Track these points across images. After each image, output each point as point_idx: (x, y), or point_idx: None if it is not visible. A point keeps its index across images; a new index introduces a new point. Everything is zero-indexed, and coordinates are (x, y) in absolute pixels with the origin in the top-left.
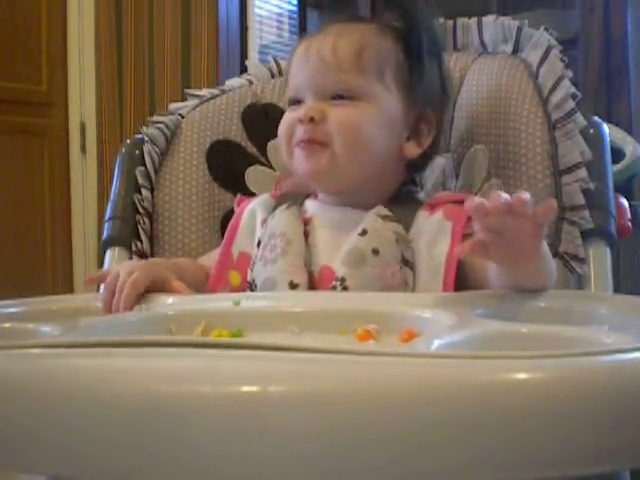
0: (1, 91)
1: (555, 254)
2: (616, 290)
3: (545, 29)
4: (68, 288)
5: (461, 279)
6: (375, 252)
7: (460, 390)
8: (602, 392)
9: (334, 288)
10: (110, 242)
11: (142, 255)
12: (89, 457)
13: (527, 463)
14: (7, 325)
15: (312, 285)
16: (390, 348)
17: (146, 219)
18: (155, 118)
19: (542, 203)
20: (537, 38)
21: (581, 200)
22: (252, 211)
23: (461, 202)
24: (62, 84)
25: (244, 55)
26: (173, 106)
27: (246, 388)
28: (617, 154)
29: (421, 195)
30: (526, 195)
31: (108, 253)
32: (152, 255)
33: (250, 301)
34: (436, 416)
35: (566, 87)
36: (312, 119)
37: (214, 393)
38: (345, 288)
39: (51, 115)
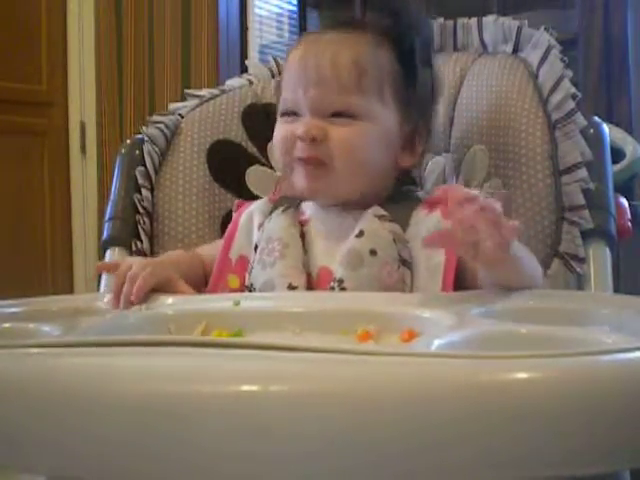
0: (1, 91)
1: (555, 254)
2: (616, 290)
3: (545, 29)
4: (68, 288)
5: (460, 280)
6: (373, 253)
7: (460, 390)
8: (602, 392)
9: (332, 289)
10: (110, 242)
11: (142, 255)
12: (89, 457)
13: (527, 463)
14: (7, 325)
15: (310, 287)
16: (390, 348)
17: (146, 219)
18: (155, 118)
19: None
20: (537, 38)
21: (581, 200)
22: (249, 215)
23: None
24: (62, 84)
25: (244, 55)
26: (173, 106)
27: (247, 387)
28: (617, 154)
29: (420, 194)
30: (497, 205)
31: (108, 253)
32: (152, 255)
33: (250, 301)
34: (436, 416)
35: (566, 87)
36: (314, 139)
37: (215, 392)
38: (343, 289)
39: (51, 115)
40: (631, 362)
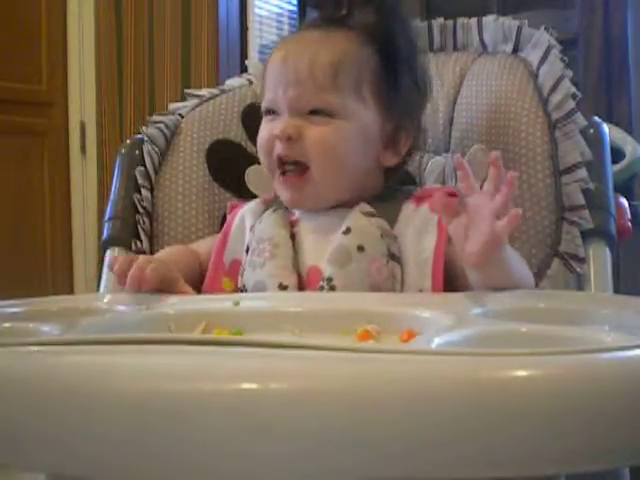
0: (1, 91)
1: (555, 254)
2: (616, 290)
3: (545, 29)
4: (68, 288)
5: (450, 275)
6: (360, 249)
7: (460, 387)
8: (602, 389)
9: (321, 288)
10: (110, 242)
11: (142, 255)
12: (89, 455)
13: (526, 460)
14: (7, 325)
15: (301, 286)
16: (390, 346)
17: (146, 219)
18: (155, 118)
19: (507, 219)
20: (537, 38)
21: (581, 200)
22: (241, 218)
23: (450, 194)
24: (62, 84)
25: (244, 55)
26: (173, 106)
27: (247, 385)
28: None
29: (411, 188)
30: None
31: (108, 253)
32: (152, 255)
33: (250, 301)
34: (436, 413)
35: (566, 87)
36: (289, 137)
37: (215, 390)
38: (332, 287)
39: (51, 115)
40: (631, 360)
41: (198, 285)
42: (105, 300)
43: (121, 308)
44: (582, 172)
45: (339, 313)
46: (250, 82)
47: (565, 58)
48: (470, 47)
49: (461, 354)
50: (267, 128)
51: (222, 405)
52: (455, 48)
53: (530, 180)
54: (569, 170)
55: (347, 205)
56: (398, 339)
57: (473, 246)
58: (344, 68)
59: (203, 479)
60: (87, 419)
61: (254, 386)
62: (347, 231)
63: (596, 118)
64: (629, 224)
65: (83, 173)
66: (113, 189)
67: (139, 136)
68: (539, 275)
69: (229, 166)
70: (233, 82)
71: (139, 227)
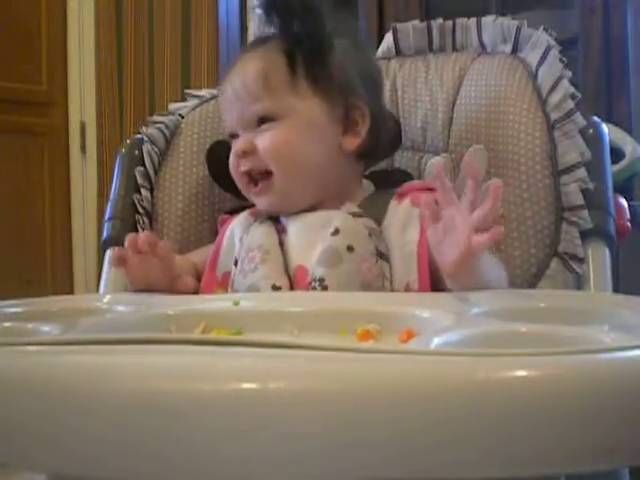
0: (1, 91)
1: (554, 254)
2: (616, 290)
3: (544, 29)
4: (68, 288)
5: (435, 265)
6: (350, 249)
7: (459, 387)
8: (602, 390)
9: (313, 289)
10: (110, 242)
11: None
12: (89, 455)
13: (526, 461)
14: (7, 325)
15: (291, 287)
16: (389, 346)
17: (146, 219)
18: (155, 118)
19: (488, 234)
20: (536, 38)
21: (580, 200)
22: (231, 232)
23: (429, 190)
24: (62, 84)
25: None
26: (173, 106)
27: (246, 385)
28: (617, 154)
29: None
30: (484, 213)
31: (108, 253)
32: None
33: (250, 301)
34: (436, 414)
35: (565, 87)
36: (245, 152)
37: (213, 390)
38: (324, 288)
39: (51, 115)
40: (630, 360)
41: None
42: (105, 300)
43: (121, 308)
44: (581, 172)
45: (339, 313)
46: None
47: (564, 58)
48: (469, 47)
49: (460, 354)
50: (232, 151)
51: (222, 405)
52: (454, 48)
53: (529, 180)
54: (568, 170)
55: (332, 205)
56: (398, 339)
57: (448, 256)
58: (270, 72)
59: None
60: (86, 419)
61: (254, 386)
62: (336, 232)
63: (595, 118)
64: (628, 224)
65: (83, 173)
66: (113, 189)
67: (139, 136)
68: (538, 275)
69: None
70: None
71: (139, 227)
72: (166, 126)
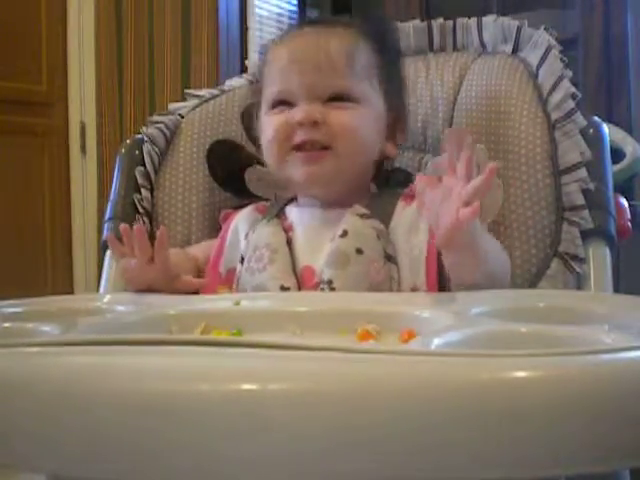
0: (1, 91)
1: (555, 254)
2: (616, 290)
3: (545, 29)
4: (68, 288)
5: (443, 269)
6: (359, 251)
7: (460, 388)
8: (602, 391)
9: (321, 290)
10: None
11: None
12: (88, 456)
13: (527, 462)
14: (7, 325)
15: (298, 288)
16: (390, 347)
17: (146, 219)
18: (155, 118)
19: (470, 207)
20: (537, 38)
21: (581, 200)
22: (235, 227)
23: None
24: (62, 84)
25: (244, 55)
26: (173, 106)
27: (245, 386)
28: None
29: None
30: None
31: (108, 253)
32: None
33: (250, 301)
34: (436, 415)
35: (566, 87)
36: (316, 122)
37: (213, 391)
38: (332, 289)
39: (51, 115)
40: (631, 361)
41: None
42: (105, 300)
43: (121, 308)
44: (582, 172)
45: (339, 313)
46: (250, 82)
47: (565, 58)
48: (470, 47)
49: (461, 355)
50: (279, 118)
51: (221, 406)
52: (455, 48)
53: (530, 180)
54: (569, 170)
55: (340, 205)
56: (398, 339)
57: (440, 229)
58: (357, 55)
59: None
60: (86, 420)
61: (254, 387)
62: (344, 234)
63: (596, 118)
64: (629, 224)
65: (83, 173)
66: (113, 189)
67: (139, 136)
68: (539, 275)
69: (229, 166)
70: (233, 82)
71: None
72: (166, 126)
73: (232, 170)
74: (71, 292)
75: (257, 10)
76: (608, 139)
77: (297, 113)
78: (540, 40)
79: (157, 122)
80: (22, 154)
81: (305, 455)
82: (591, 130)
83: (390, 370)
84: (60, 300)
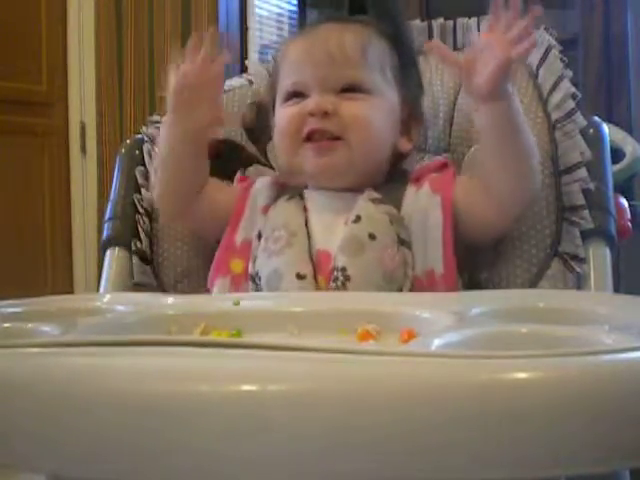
0: (1, 91)
1: (555, 254)
2: (616, 290)
3: (545, 29)
4: (68, 288)
5: (459, 246)
6: (372, 237)
7: (460, 389)
8: (602, 392)
9: (336, 279)
10: (110, 242)
11: (142, 255)
12: (88, 456)
13: (527, 463)
14: (7, 325)
15: (314, 273)
16: (390, 348)
17: (146, 219)
18: (155, 118)
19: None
20: (537, 38)
21: (581, 200)
22: (254, 198)
23: (442, 167)
24: (62, 84)
25: (244, 55)
26: None
27: (245, 387)
28: (617, 154)
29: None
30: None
31: (108, 253)
32: (152, 255)
33: (250, 301)
34: (436, 416)
35: (566, 87)
36: (326, 112)
37: (213, 392)
38: (347, 277)
39: (51, 115)
40: (631, 362)
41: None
42: (105, 300)
43: (121, 308)
44: (582, 172)
45: (339, 313)
46: (250, 82)
47: (565, 58)
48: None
49: (461, 356)
50: (292, 109)
51: (221, 407)
52: (455, 48)
53: None
54: (569, 170)
55: (353, 190)
56: (398, 339)
57: (483, 74)
58: (370, 49)
59: None
60: (86, 421)
61: (253, 388)
62: (357, 219)
63: (596, 118)
64: (629, 224)
65: (83, 173)
66: (113, 189)
67: (139, 136)
68: (539, 275)
69: (229, 166)
70: (233, 82)
71: (139, 227)
72: None
73: (232, 170)
74: (71, 292)
75: (257, 10)
76: (608, 139)
77: (309, 104)
78: (540, 40)
79: (157, 122)
80: (22, 154)
81: (304, 455)
82: (591, 130)
83: (390, 371)
84: (60, 300)
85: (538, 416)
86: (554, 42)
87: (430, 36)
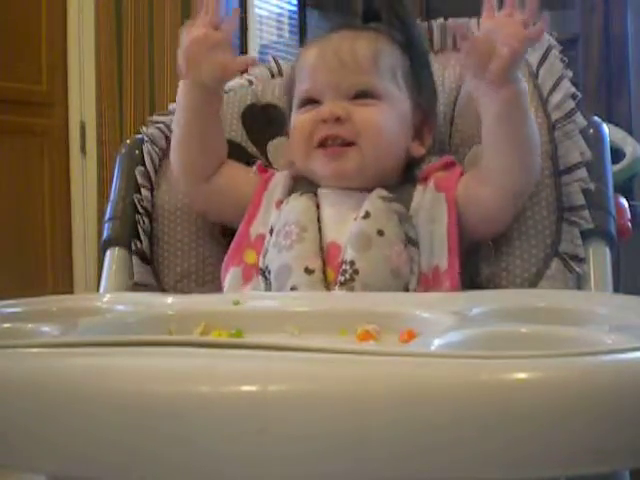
0: (1, 91)
1: (555, 254)
2: (616, 290)
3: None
4: (68, 288)
5: (462, 243)
6: (380, 233)
7: (460, 390)
8: (602, 392)
9: (344, 272)
10: (110, 242)
11: (142, 255)
12: (88, 457)
13: (527, 463)
14: (7, 325)
15: (323, 267)
16: (390, 348)
17: (146, 219)
18: (155, 118)
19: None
20: None
21: (581, 200)
22: (271, 193)
23: (448, 165)
24: (62, 84)
25: (244, 55)
26: (173, 106)
27: (245, 388)
28: (617, 154)
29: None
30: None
31: (108, 253)
32: (152, 255)
33: (250, 301)
34: (436, 416)
35: (566, 87)
36: (339, 118)
37: (213, 393)
38: (355, 271)
39: (51, 115)
40: (632, 362)
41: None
42: (105, 300)
43: (121, 308)
44: (582, 172)
45: (339, 313)
46: (250, 83)
47: (565, 58)
48: None
49: (461, 357)
50: (305, 116)
51: (222, 408)
52: (455, 48)
53: None
54: (569, 170)
55: (365, 190)
56: (398, 339)
57: (497, 59)
58: (382, 55)
59: None
60: (86, 421)
61: (253, 388)
62: (366, 215)
63: (596, 118)
64: (629, 224)
65: (83, 173)
66: (113, 189)
67: (139, 136)
68: (539, 275)
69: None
70: (233, 82)
71: (139, 227)
72: (166, 126)
73: None
74: (71, 292)
75: (257, 10)
76: (608, 139)
77: (322, 110)
78: (540, 40)
79: (157, 122)
80: (22, 154)
81: (304, 456)
82: (591, 130)
83: (390, 371)
84: (60, 300)
85: (538, 416)
86: (554, 42)
87: (430, 36)
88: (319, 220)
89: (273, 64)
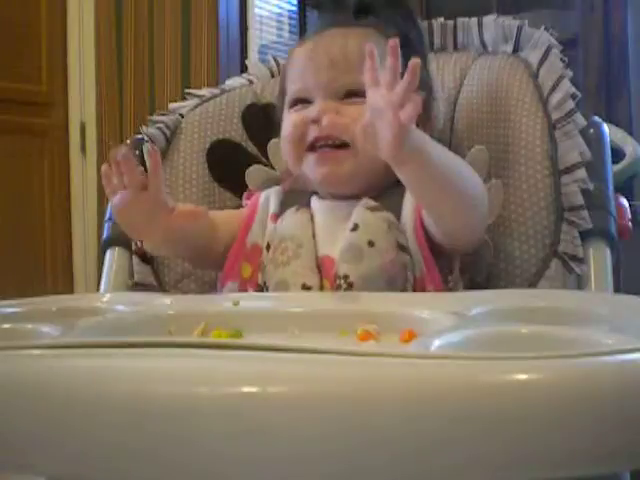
0: (1, 91)
1: (554, 254)
2: (616, 290)
3: (545, 29)
4: (68, 288)
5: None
6: (370, 244)
7: (460, 391)
8: (602, 393)
9: (339, 286)
10: (110, 242)
11: (142, 255)
12: (88, 457)
13: (527, 464)
14: (7, 325)
15: (320, 281)
16: (390, 349)
17: None
18: (155, 118)
19: (409, 106)
20: (537, 38)
21: (580, 200)
22: (266, 200)
23: None
24: (62, 84)
25: (244, 55)
26: (173, 106)
27: (245, 389)
28: (617, 154)
29: None
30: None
31: (108, 253)
32: (152, 255)
33: (250, 301)
34: (436, 416)
35: (566, 87)
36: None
37: (213, 394)
38: (350, 284)
39: (51, 115)
40: (631, 363)
41: (201, 254)
42: (105, 300)
43: (121, 308)
44: (582, 172)
45: (339, 313)
46: (250, 82)
47: (565, 58)
48: (470, 47)
49: (461, 358)
50: (296, 116)
51: (222, 409)
52: (455, 48)
53: (529, 180)
54: (569, 170)
55: (353, 197)
56: (398, 339)
57: (384, 141)
58: (373, 51)
59: None
60: (86, 422)
61: (254, 390)
62: (355, 228)
63: (596, 118)
64: (629, 224)
65: (83, 173)
66: None
67: (139, 136)
68: (538, 275)
69: (229, 166)
70: (233, 82)
71: None
72: (166, 126)
73: (232, 170)
74: (71, 292)
75: (257, 10)
76: (608, 139)
77: (312, 110)
78: (541, 40)
79: (157, 122)
80: (22, 154)
81: (304, 456)
82: (591, 130)
83: (390, 372)
84: (60, 300)
85: (538, 417)
86: (554, 42)
87: (430, 36)
88: (314, 236)
89: (273, 64)
